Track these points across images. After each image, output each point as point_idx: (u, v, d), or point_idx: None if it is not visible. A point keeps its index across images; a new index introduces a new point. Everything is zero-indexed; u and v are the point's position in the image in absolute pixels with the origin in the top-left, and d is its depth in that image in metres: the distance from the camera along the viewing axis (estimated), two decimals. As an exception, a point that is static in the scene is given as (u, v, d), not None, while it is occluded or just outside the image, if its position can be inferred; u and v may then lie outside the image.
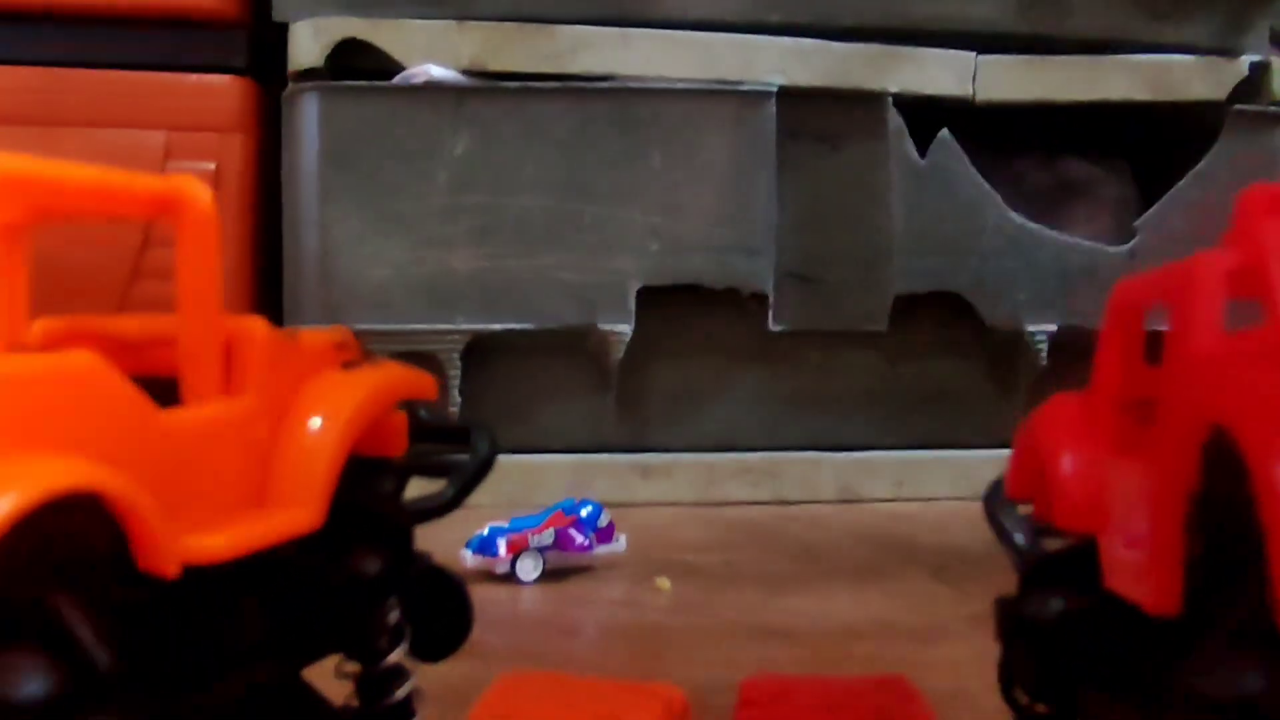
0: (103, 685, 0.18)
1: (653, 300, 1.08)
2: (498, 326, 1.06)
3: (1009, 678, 0.27)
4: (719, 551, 0.87)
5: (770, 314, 1.10)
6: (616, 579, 0.75)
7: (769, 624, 0.64)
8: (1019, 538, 0.26)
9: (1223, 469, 0.16)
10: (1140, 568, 0.18)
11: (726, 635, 0.62)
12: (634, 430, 1.11)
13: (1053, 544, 0.25)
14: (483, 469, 0.28)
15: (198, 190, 0.21)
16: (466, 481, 0.28)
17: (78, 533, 0.18)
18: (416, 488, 0.30)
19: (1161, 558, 0.17)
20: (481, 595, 0.73)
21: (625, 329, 1.07)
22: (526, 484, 1.01)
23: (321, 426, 0.24)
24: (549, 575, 0.74)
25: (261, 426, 0.23)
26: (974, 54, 1.13)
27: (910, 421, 1.15)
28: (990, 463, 1.10)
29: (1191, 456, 0.16)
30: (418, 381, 0.28)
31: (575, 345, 1.09)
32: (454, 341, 1.05)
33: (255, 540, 0.22)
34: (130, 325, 0.24)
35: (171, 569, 0.19)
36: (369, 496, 0.26)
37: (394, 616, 0.27)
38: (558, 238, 1.07)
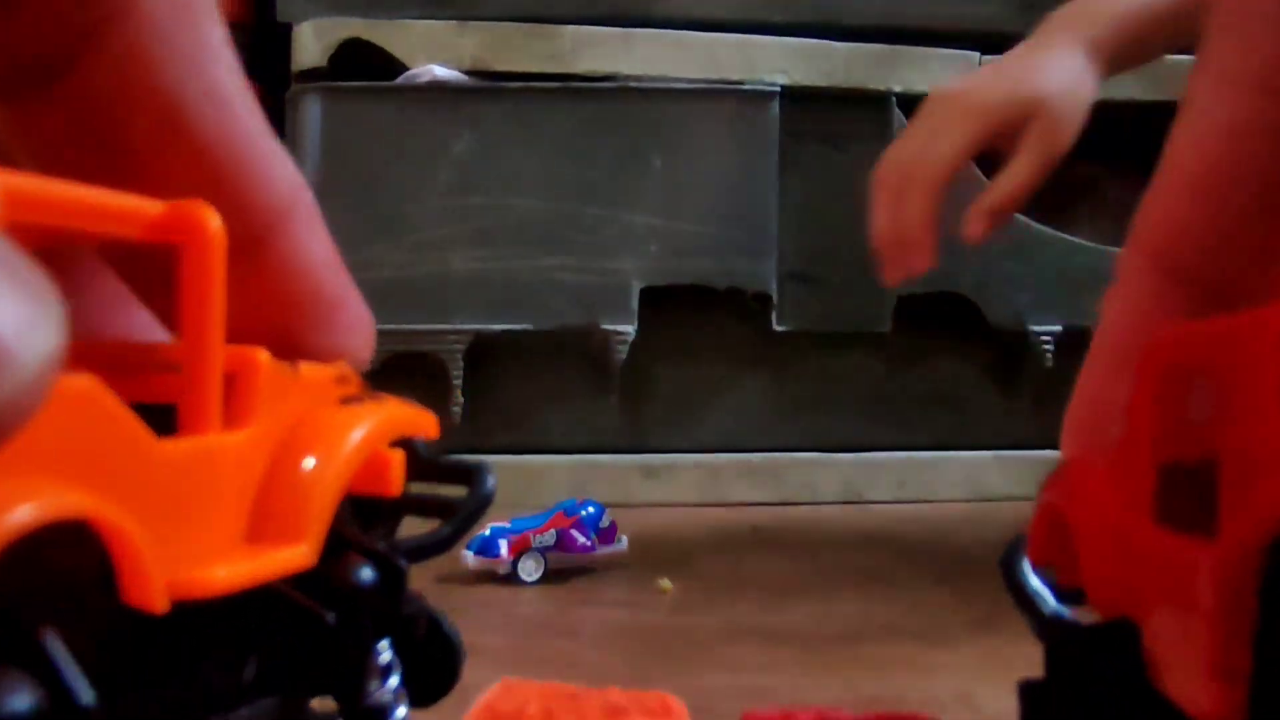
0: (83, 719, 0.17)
1: (655, 301, 1.08)
2: (499, 327, 1.06)
3: None
4: (721, 553, 0.87)
5: (773, 315, 1.10)
6: (618, 580, 0.75)
7: (771, 626, 0.64)
8: (1043, 602, 0.23)
9: None
10: (1195, 670, 0.15)
11: (729, 637, 0.62)
12: (636, 431, 1.11)
13: (1081, 613, 0.23)
14: (479, 509, 0.28)
15: (206, 215, 0.21)
16: (463, 521, 0.28)
17: (64, 562, 0.18)
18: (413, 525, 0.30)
19: (1223, 660, 0.15)
20: (483, 596, 0.73)
21: (628, 330, 1.07)
22: (528, 485, 1.00)
23: (319, 463, 0.23)
24: (551, 576, 0.74)
25: (259, 461, 0.23)
26: (977, 54, 1.13)
27: (914, 423, 1.15)
28: (994, 464, 1.11)
29: (1266, 539, 0.14)
30: (418, 419, 0.28)
31: (578, 346, 1.08)
32: (455, 342, 1.05)
33: (249, 576, 0.21)
34: (130, 350, 0.24)
35: (159, 604, 0.19)
36: (363, 535, 0.26)
37: (385, 658, 0.26)
38: (560, 238, 1.07)
